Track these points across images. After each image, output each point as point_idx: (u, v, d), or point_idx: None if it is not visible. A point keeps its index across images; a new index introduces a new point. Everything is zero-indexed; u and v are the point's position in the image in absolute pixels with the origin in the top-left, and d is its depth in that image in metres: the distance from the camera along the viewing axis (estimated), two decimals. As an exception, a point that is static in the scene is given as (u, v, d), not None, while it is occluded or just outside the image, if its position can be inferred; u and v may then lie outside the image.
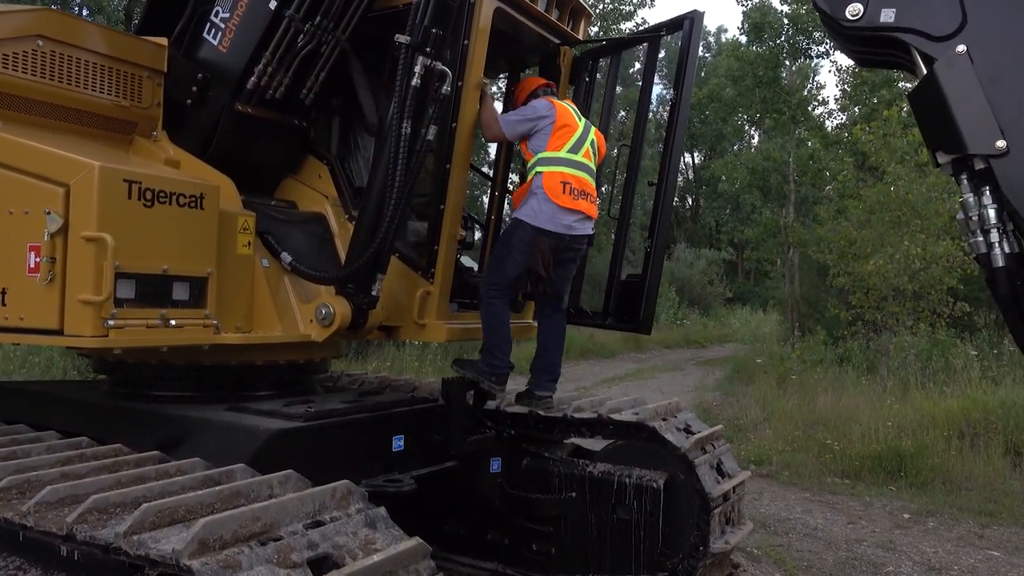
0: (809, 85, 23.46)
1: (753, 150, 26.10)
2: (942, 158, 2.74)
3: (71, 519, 2.36)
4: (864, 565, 5.64)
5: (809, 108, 21.88)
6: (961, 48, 2.60)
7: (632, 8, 26.48)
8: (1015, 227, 2.65)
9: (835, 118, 23.72)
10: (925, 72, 2.67)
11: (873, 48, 2.90)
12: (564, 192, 4.32)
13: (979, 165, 2.60)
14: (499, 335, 4.47)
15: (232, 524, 2.25)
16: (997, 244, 2.61)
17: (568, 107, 4.59)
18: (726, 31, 51.67)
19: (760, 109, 21.99)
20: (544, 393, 4.71)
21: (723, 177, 25.76)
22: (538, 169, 4.40)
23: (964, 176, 2.67)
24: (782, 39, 20.07)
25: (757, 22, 20.49)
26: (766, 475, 8.41)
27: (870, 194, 13.74)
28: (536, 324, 5.02)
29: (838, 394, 11.08)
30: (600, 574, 4.77)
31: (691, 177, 49.19)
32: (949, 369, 11.94)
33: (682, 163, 50.48)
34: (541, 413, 4.67)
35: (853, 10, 2.76)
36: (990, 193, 2.59)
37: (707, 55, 46.98)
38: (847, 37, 2.89)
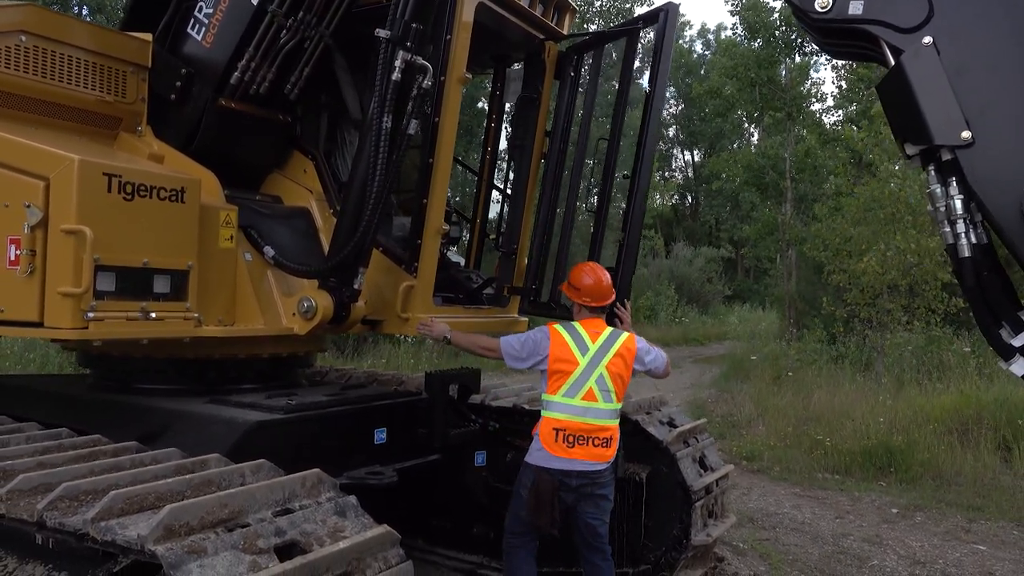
0: (808, 82, 23.41)
1: (753, 148, 26.00)
2: (910, 149, 2.76)
3: (41, 506, 2.38)
4: (849, 558, 5.66)
5: (806, 104, 21.84)
6: (928, 39, 2.62)
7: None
8: (984, 218, 2.67)
9: (831, 115, 23.73)
10: (893, 63, 2.70)
11: (843, 40, 2.92)
12: (556, 440, 3.98)
13: (946, 156, 2.62)
14: None
15: (199, 511, 2.27)
16: (963, 235, 2.63)
17: (568, 341, 4.03)
18: (726, 28, 51.54)
19: (758, 106, 21.99)
20: None
21: (723, 175, 25.69)
22: (541, 411, 4.12)
23: (932, 167, 2.70)
24: (777, 34, 20.07)
25: (751, 22, 20.50)
26: (757, 471, 8.43)
27: (864, 191, 13.76)
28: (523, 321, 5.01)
29: (833, 391, 11.09)
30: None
31: (691, 175, 49.15)
32: (944, 365, 11.94)
33: (681, 160, 50.64)
34: None
35: (822, 2, 2.78)
36: (956, 184, 2.61)
37: (707, 53, 46.99)
38: (817, 29, 2.91)
